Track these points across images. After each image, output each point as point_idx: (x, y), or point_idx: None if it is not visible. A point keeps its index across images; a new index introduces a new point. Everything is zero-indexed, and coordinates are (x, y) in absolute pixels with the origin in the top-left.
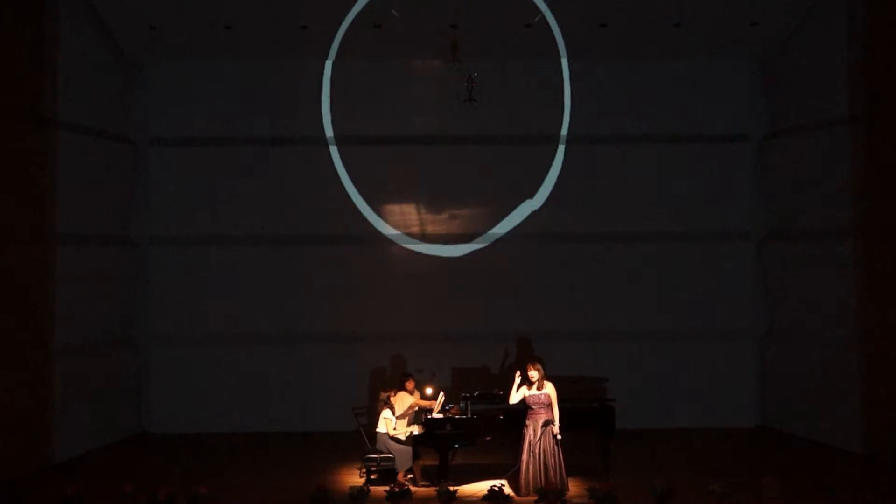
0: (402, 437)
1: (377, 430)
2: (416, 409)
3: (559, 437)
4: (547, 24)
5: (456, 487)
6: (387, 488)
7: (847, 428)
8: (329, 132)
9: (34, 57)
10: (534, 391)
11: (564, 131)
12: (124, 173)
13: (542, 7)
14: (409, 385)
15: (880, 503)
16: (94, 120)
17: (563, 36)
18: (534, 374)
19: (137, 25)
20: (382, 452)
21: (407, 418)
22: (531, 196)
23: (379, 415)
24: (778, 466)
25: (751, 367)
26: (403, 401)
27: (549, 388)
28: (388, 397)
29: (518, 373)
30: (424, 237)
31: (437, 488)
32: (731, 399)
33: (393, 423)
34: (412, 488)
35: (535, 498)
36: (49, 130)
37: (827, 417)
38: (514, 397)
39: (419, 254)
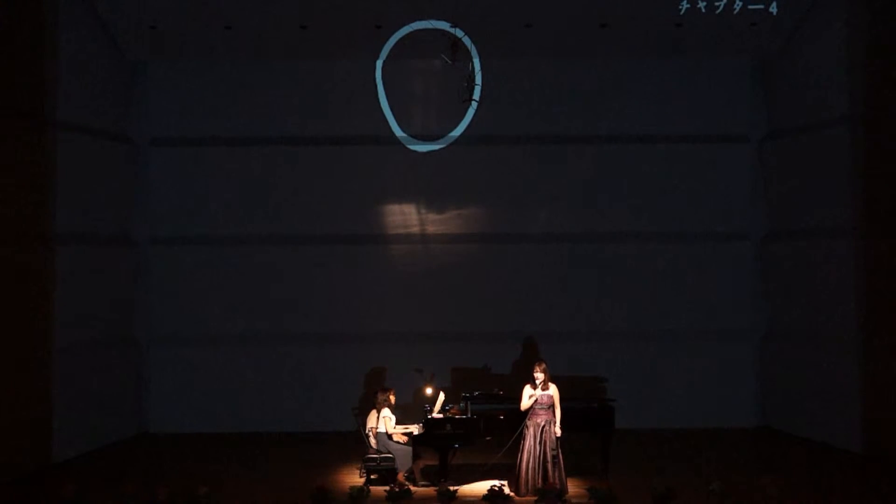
0: (400, 441)
1: (377, 430)
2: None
3: (559, 434)
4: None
5: (456, 487)
6: (387, 488)
7: (847, 428)
8: (329, 132)
9: (34, 57)
10: (539, 391)
11: (566, 131)
12: (124, 173)
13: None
14: (392, 398)
15: (880, 503)
16: (94, 120)
17: (564, 36)
18: (539, 376)
19: (137, 25)
20: (382, 452)
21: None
22: (531, 195)
23: (377, 414)
24: (778, 466)
25: (751, 367)
26: (388, 423)
27: (553, 390)
28: (388, 397)
29: (526, 386)
30: (425, 238)
31: (437, 488)
32: (731, 399)
33: (392, 423)
34: (412, 488)
35: (535, 498)
36: (49, 130)
37: (827, 417)
38: (526, 403)
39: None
